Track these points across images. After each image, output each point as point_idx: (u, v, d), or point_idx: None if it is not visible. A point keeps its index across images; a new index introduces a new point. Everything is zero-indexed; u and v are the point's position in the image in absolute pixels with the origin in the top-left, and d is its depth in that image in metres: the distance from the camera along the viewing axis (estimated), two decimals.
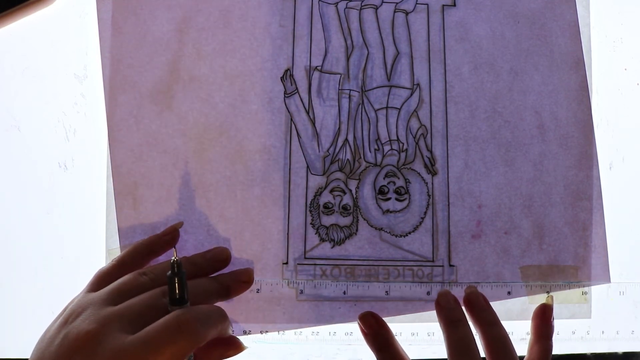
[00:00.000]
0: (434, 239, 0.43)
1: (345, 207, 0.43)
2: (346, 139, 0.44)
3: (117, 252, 0.41)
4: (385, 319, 0.41)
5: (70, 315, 0.33)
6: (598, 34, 0.47)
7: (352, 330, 0.42)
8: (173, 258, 0.34)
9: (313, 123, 0.44)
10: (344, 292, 0.42)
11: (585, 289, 0.44)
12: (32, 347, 0.33)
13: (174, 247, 0.38)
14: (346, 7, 0.45)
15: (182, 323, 0.31)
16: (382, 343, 0.40)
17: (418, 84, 0.45)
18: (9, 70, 0.43)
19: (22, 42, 0.44)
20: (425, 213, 0.43)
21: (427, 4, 0.46)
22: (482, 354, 0.39)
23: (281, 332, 0.42)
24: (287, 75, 0.44)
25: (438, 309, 0.41)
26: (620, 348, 0.45)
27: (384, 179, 0.44)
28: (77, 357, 0.30)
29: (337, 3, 0.45)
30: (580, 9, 0.46)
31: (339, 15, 0.45)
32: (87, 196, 0.43)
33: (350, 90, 0.44)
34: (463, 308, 0.41)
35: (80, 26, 0.44)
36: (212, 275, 0.39)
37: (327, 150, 0.44)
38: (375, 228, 0.43)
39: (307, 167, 0.43)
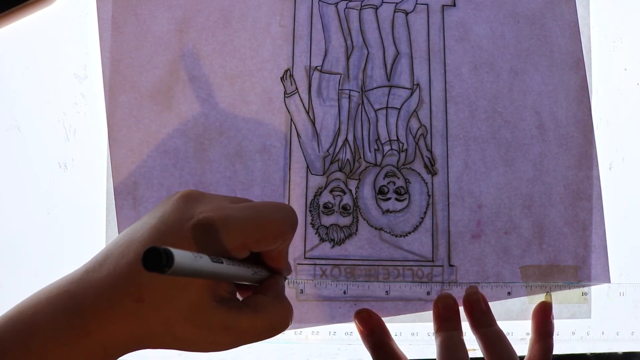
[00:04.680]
0: (433, 239, 0.43)
1: (345, 207, 0.43)
2: (346, 139, 0.44)
3: None
4: (385, 318, 0.41)
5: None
6: (598, 34, 0.47)
7: (352, 330, 0.42)
8: None
9: (313, 123, 0.44)
10: (344, 292, 0.42)
11: (585, 289, 0.44)
12: None
13: None
14: (346, 7, 0.45)
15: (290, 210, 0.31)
16: (377, 342, 0.40)
17: (418, 84, 0.45)
18: (9, 70, 0.43)
19: (22, 42, 0.43)
20: (425, 213, 0.43)
21: (427, 4, 0.46)
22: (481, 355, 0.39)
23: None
24: (287, 75, 0.44)
25: (435, 313, 0.41)
26: (620, 348, 0.45)
27: (383, 179, 0.43)
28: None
29: (337, 3, 0.45)
30: (580, 9, 0.46)
31: (339, 16, 0.45)
32: (87, 196, 0.43)
33: (350, 90, 0.44)
34: (461, 308, 0.41)
35: (80, 26, 0.44)
36: None
37: (327, 150, 0.43)
38: (375, 228, 0.43)
39: (307, 167, 0.43)
